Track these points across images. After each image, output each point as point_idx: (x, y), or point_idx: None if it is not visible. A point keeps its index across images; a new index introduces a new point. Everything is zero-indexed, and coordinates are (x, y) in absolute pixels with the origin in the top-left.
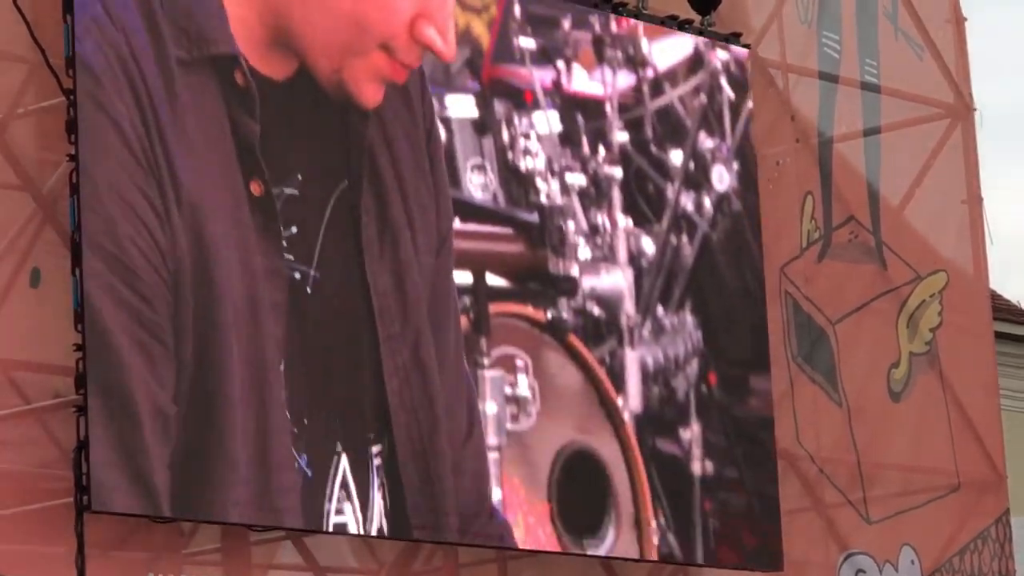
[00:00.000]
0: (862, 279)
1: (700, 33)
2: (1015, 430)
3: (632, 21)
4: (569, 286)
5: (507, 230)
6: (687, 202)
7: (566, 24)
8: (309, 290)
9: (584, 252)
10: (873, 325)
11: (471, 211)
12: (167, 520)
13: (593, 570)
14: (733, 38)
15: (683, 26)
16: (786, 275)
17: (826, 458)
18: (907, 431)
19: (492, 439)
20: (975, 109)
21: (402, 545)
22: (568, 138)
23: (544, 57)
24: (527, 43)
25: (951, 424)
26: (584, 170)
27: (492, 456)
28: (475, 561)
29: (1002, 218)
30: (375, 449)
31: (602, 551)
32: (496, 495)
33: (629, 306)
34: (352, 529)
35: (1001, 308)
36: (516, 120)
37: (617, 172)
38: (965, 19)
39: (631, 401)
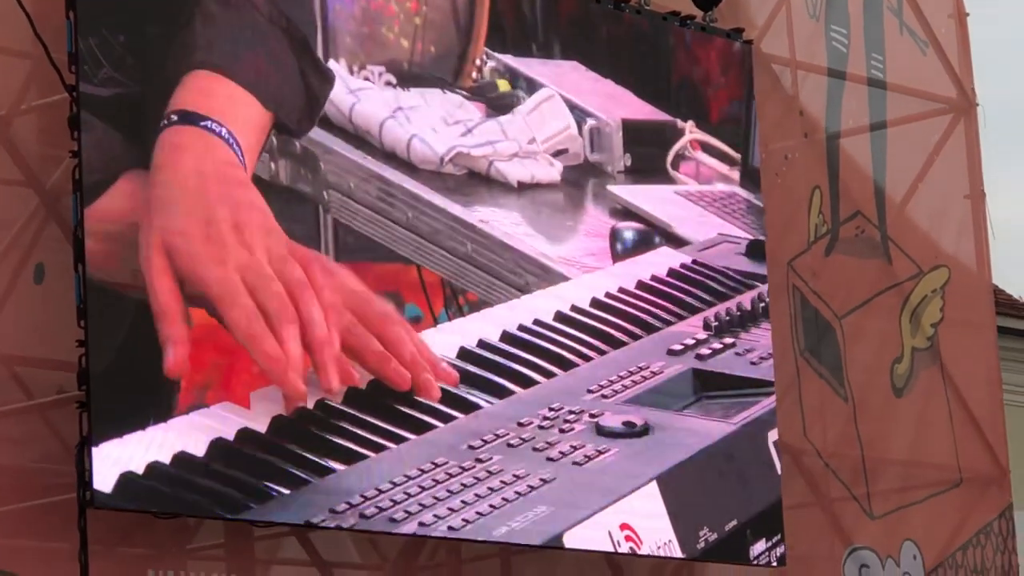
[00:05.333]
0: (868, 274)
1: (703, 29)
2: (1018, 425)
3: None
4: None
5: None
6: None
7: None
8: None
9: None
10: (877, 320)
11: None
12: (170, 516)
13: (597, 566)
14: (736, 34)
15: (685, 22)
16: (794, 269)
17: (831, 452)
18: (909, 426)
19: None
20: (977, 104)
21: (405, 540)
22: None
23: None
24: None
25: (953, 419)
26: None
27: None
28: (478, 556)
29: (1004, 212)
30: None
31: None
32: None
33: None
34: None
35: (1003, 303)
36: None
37: None
38: (967, 14)
39: None
